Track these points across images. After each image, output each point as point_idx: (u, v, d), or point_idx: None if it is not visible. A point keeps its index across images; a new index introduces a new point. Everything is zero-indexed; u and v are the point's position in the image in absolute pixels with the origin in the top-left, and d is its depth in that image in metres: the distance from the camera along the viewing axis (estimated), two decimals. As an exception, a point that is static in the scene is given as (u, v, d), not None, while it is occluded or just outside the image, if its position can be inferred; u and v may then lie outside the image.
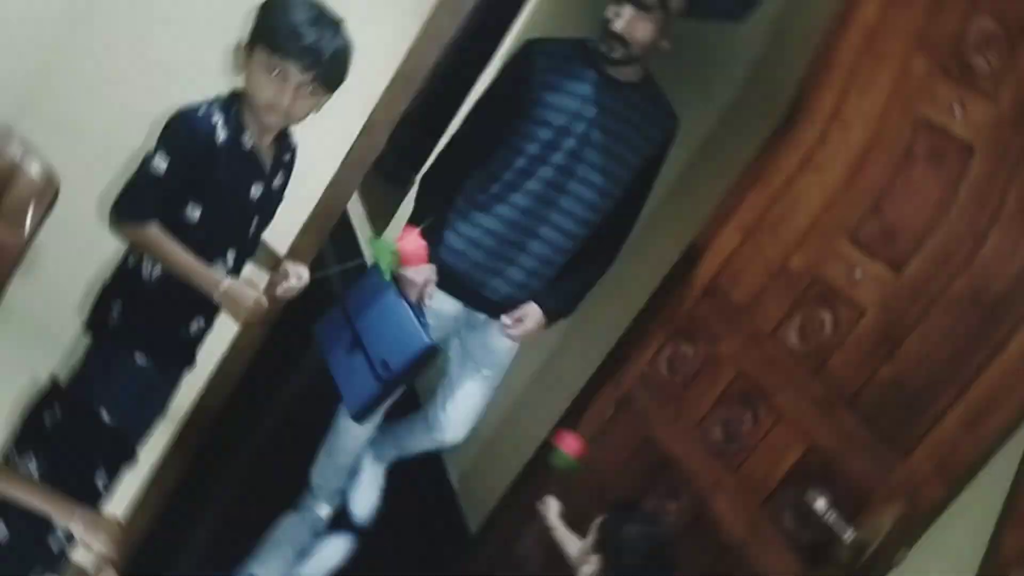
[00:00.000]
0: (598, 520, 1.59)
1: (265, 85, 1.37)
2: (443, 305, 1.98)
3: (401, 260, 1.87)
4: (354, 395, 1.90)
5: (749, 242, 1.86)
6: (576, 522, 1.72)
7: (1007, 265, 1.39)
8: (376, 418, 2.16)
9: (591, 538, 1.58)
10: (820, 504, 1.49)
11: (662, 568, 1.54)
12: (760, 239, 1.84)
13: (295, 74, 1.36)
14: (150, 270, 1.46)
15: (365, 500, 2.39)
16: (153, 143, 1.39)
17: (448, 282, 1.97)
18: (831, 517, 1.46)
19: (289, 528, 2.23)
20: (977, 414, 1.35)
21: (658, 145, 1.95)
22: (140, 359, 1.50)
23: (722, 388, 1.80)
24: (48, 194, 1.12)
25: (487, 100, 2.00)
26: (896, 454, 1.44)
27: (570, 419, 2.10)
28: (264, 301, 1.47)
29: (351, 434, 2.20)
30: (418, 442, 2.30)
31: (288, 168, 1.61)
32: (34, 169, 1.10)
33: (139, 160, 1.40)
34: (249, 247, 1.59)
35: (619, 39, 1.80)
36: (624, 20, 1.78)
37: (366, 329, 1.91)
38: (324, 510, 2.33)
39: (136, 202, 1.39)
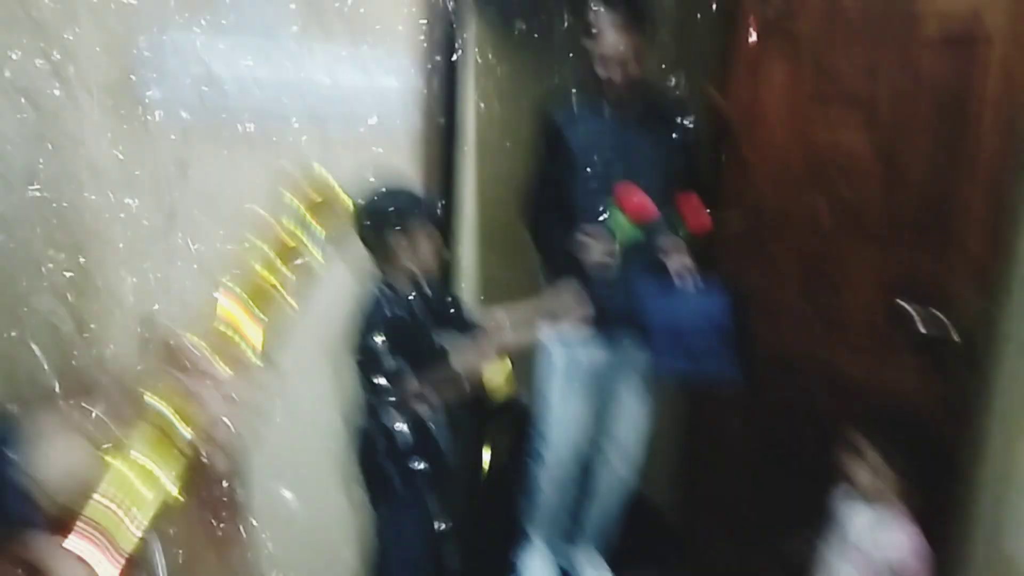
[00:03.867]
0: None
1: (405, 253, 1.76)
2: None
3: (636, 218, 1.98)
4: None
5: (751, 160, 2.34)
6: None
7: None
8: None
9: None
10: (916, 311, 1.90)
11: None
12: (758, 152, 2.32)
13: (419, 231, 1.77)
14: None
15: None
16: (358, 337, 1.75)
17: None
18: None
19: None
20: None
21: (682, 137, 2.18)
22: None
23: (797, 282, 2.27)
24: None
25: (545, 172, 2.21)
26: (941, 251, 1.85)
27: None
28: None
29: None
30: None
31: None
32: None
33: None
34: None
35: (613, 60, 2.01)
36: (611, 40, 1.98)
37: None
38: None
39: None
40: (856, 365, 2.08)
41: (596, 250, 2.01)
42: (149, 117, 1.78)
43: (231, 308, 0.65)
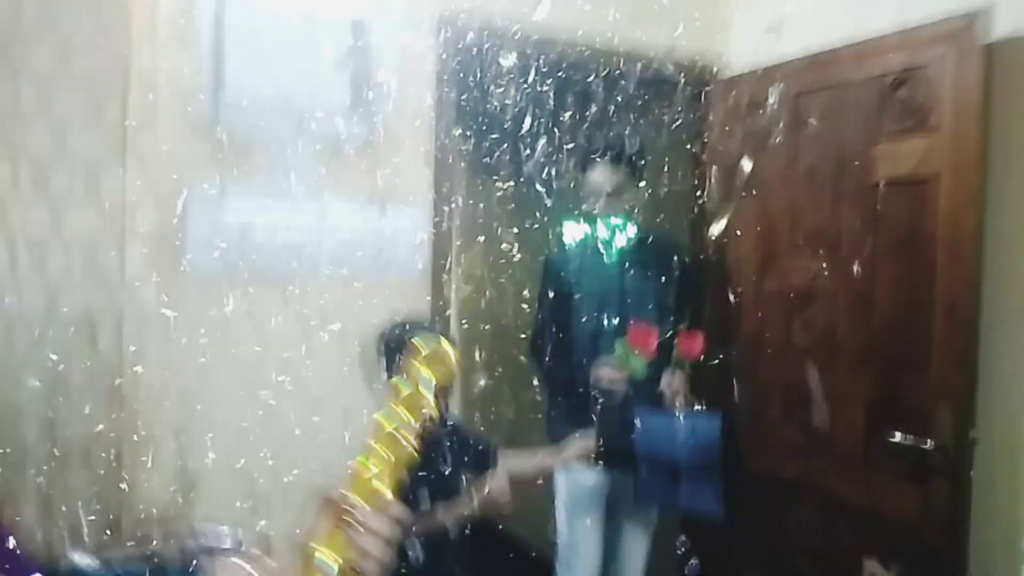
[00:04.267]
0: None
1: None
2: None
3: (643, 353, 2.13)
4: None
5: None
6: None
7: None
8: None
9: None
10: (899, 437, 2.04)
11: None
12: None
13: None
14: None
15: None
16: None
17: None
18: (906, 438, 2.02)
19: None
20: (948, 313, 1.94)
21: (677, 275, 2.34)
22: None
23: (781, 404, 2.43)
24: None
25: (546, 309, 2.38)
26: (917, 370, 2.00)
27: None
28: None
29: None
30: None
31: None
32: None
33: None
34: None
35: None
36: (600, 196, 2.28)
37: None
38: None
39: None
40: (840, 482, 2.19)
41: (606, 379, 2.14)
42: (185, 264, 1.94)
43: (369, 458, 0.76)
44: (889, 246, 2.08)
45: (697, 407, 2.19)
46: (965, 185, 1.88)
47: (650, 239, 2.38)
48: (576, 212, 2.41)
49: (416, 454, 0.77)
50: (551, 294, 2.33)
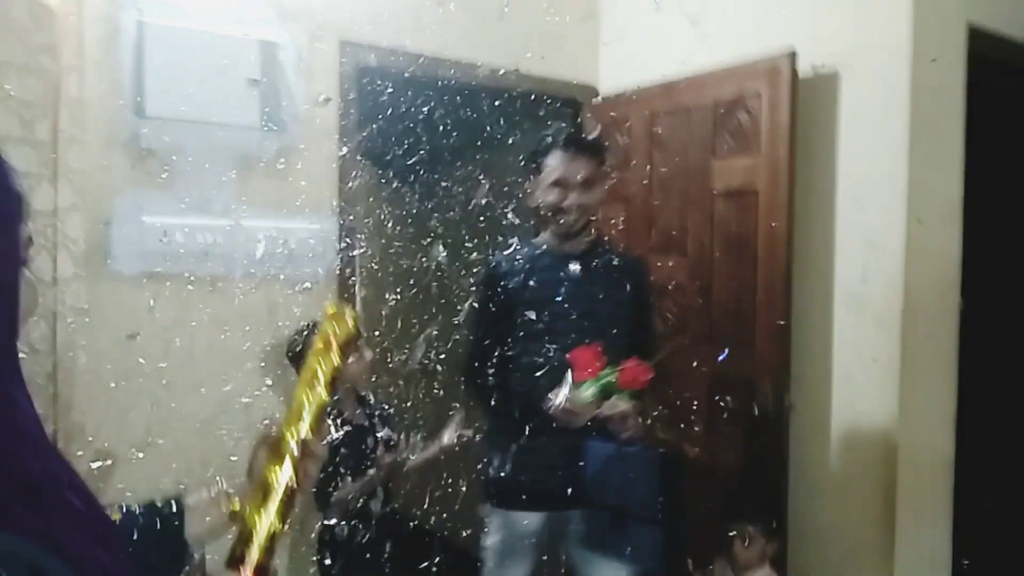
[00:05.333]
0: None
1: None
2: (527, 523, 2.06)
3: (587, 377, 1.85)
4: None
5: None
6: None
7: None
8: None
9: None
10: (730, 402, 2.46)
11: None
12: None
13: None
14: None
15: None
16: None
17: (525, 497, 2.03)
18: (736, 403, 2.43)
19: None
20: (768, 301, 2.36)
21: (631, 290, 2.06)
22: None
23: None
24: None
25: (486, 325, 2.07)
26: (746, 348, 2.42)
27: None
28: None
29: None
30: None
31: None
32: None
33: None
34: None
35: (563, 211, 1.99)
36: (570, 194, 1.97)
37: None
38: None
39: None
40: (689, 443, 2.60)
41: (562, 417, 1.85)
42: (111, 265, 2.16)
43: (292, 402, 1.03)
44: (724, 246, 2.50)
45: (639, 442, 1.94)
46: (779, 197, 2.32)
47: (604, 251, 2.09)
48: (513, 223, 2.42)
49: (327, 397, 1.03)
50: (492, 308, 2.03)
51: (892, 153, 2.18)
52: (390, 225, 4.65)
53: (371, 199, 4.77)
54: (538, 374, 1.96)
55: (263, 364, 2.35)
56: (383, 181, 4.72)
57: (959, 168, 2.29)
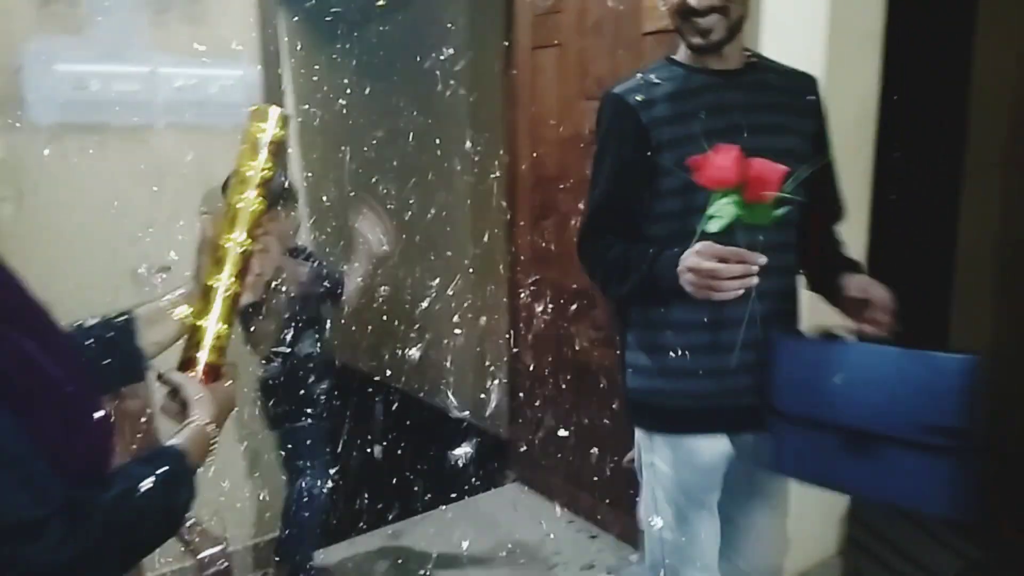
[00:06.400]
0: None
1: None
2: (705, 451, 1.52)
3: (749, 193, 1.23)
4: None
5: (536, 139, 2.82)
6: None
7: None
8: None
9: None
10: None
11: None
12: (541, 132, 2.81)
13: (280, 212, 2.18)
14: None
15: None
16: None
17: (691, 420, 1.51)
18: None
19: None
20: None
21: (809, 119, 1.52)
22: None
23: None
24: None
25: (615, 179, 1.49)
26: None
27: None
28: None
29: None
30: None
31: None
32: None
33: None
34: None
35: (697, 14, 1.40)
36: None
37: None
38: None
39: None
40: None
41: (705, 269, 1.26)
42: (20, 113, 2.10)
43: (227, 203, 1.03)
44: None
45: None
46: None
47: (766, 68, 1.52)
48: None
49: (262, 203, 1.04)
50: (622, 152, 1.47)
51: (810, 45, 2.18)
52: (320, 80, 4.53)
53: (300, 48, 4.61)
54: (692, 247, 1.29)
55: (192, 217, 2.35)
56: (315, 33, 4.55)
57: (875, 69, 2.30)
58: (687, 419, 1.51)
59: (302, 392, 2.35)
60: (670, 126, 1.44)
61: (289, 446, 2.42)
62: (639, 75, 1.51)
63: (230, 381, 1.04)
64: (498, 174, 3.27)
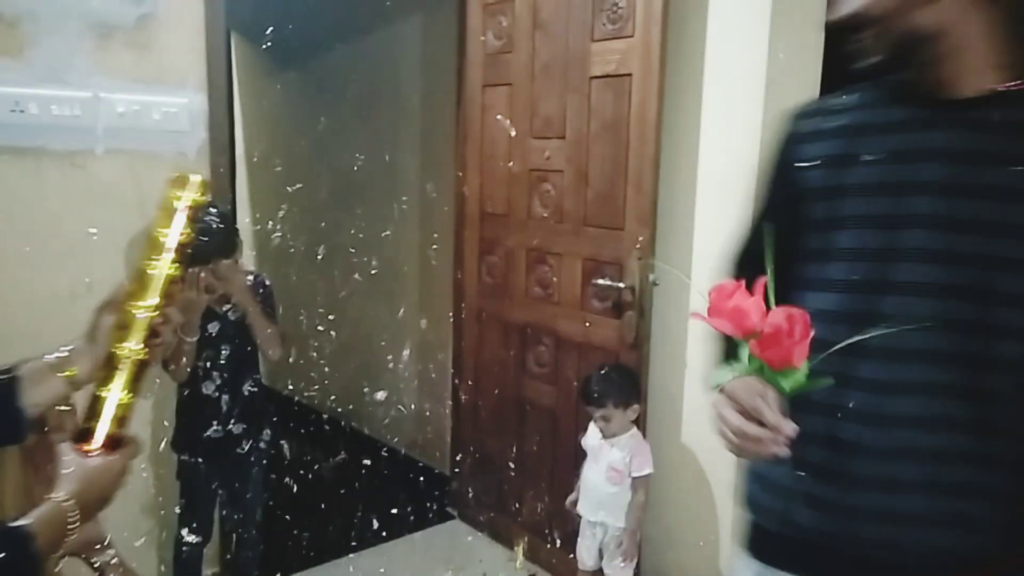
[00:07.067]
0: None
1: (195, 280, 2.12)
2: None
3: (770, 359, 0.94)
4: None
5: (485, 174, 2.93)
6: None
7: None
8: None
9: None
10: (602, 281, 2.58)
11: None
12: (490, 168, 2.92)
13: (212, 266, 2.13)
14: None
15: None
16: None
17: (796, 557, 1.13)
18: (608, 282, 2.56)
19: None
20: (637, 184, 2.46)
21: None
22: None
23: (525, 263, 2.86)
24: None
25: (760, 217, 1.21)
26: (616, 234, 2.55)
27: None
28: None
29: None
30: None
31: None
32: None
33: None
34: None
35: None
36: None
37: None
38: None
39: None
40: (566, 323, 2.74)
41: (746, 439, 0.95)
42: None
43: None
44: (599, 131, 2.56)
45: None
46: (650, 82, 2.38)
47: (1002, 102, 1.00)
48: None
49: (176, 268, 1.04)
50: (775, 195, 1.19)
51: (755, 35, 2.26)
52: (270, 107, 4.52)
53: (251, 77, 4.59)
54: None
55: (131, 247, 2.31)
56: (266, 62, 4.54)
57: (817, 60, 2.39)
58: (783, 550, 1.14)
59: (236, 423, 2.30)
60: (824, 170, 1.08)
61: (219, 481, 2.37)
62: (832, 96, 1.15)
63: (127, 453, 0.99)
64: (447, 208, 3.28)
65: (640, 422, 2.48)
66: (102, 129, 2.23)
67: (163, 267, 1.03)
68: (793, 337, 0.91)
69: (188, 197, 1.05)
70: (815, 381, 0.95)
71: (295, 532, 2.94)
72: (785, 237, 1.06)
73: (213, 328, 2.24)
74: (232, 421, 2.29)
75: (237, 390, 2.30)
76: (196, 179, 1.06)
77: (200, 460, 2.31)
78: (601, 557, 2.51)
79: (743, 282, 0.97)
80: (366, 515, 3.11)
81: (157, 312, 1.02)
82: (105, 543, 1.15)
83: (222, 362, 2.26)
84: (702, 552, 2.54)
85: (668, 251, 2.52)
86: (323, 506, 3.11)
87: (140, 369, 1.01)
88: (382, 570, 2.86)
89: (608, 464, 2.41)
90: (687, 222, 2.50)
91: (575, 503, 2.53)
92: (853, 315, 1.02)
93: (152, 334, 1.03)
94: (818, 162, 1.10)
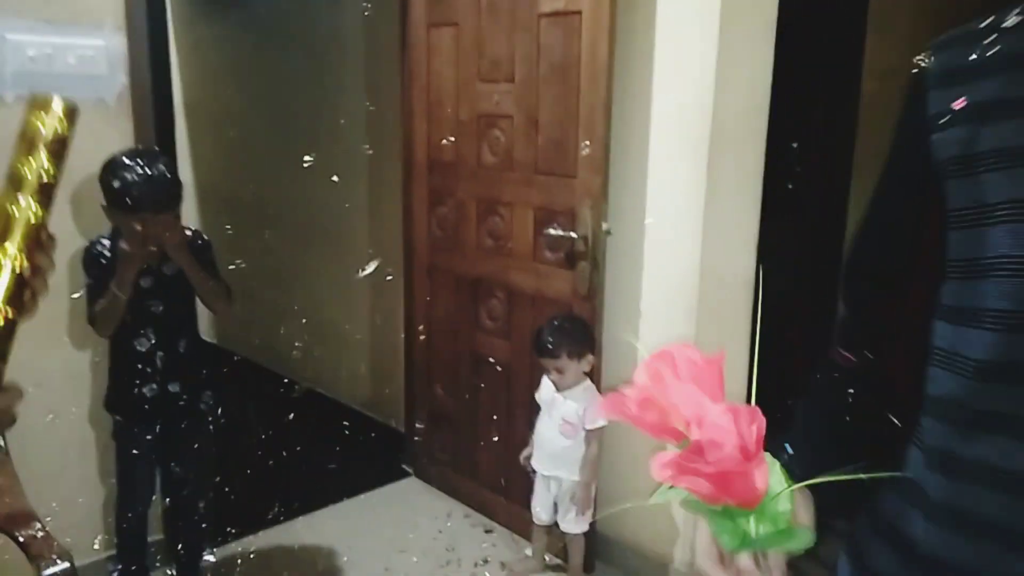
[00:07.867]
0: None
1: (133, 232, 1.99)
2: None
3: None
4: None
5: (432, 121, 2.82)
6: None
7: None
8: None
9: None
10: (554, 231, 2.49)
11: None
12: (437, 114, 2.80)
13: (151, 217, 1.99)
14: None
15: None
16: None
17: None
18: (560, 231, 2.48)
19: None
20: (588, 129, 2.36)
21: None
22: None
23: (475, 214, 2.75)
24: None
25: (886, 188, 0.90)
26: (567, 182, 2.45)
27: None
28: None
29: None
30: None
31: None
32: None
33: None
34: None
35: None
36: None
37: None
38: None
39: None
40: (518, 274, 2.66)
41: None
42: None
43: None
44: (549, 73, 2.45)
45: None
46: (600, 20, 2.26)
47: None
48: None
49: (41, 211, 0.88)
50: (892, 161, 0.90)
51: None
52: (210, 53, 4.29)
53: (188, 22, 4.34)
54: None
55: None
56: (204, 6, 4.29)
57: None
58: None
59: (171, 382, 2.20)
60: (968, 126, 0.73)
61: (156, 443, 2.26)
62: (978, 20, 0.77)
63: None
64: (395, 158, 3.15)
65: (594, 374, 2.42)
66: (10, 74, 2.06)
67: (24, 209, 0.89)
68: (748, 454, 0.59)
69: (50, 126, 0.89)
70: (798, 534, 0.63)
71: (249, 493, 2.86)
72: (912, 234, 0.78)
73: (146, 283, 2.11)
74: (167, 380, 2.18)
75: (173, 348, 2.18)
76: (58, 105, 0.87)
77: (134, 421, 2.21)
78: (556, 511, 2.47)
79: (718, 356, 0.68)
80: (322, 475, 3.04)
81: (20, 261, 0.89)
82: (30, 516, 1.08)
83: (156, 319, 2.14)
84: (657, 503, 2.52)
85: (620, 199, 2.44)
86: (277, 467, 3.03)
87: (8, 329, 0.90)
88: (338, 529, 2.81)
89: (562, 417, 2.36)
90: (640, 168, 2.41)
91: (529, 458, 2.49)
92: (1013, 368, 0.65)
93: (19, 290, 0.90)
94: (960, 113, 0.73)
